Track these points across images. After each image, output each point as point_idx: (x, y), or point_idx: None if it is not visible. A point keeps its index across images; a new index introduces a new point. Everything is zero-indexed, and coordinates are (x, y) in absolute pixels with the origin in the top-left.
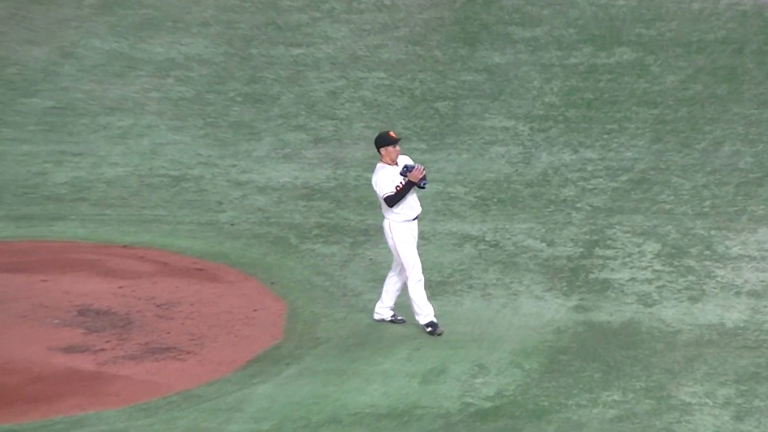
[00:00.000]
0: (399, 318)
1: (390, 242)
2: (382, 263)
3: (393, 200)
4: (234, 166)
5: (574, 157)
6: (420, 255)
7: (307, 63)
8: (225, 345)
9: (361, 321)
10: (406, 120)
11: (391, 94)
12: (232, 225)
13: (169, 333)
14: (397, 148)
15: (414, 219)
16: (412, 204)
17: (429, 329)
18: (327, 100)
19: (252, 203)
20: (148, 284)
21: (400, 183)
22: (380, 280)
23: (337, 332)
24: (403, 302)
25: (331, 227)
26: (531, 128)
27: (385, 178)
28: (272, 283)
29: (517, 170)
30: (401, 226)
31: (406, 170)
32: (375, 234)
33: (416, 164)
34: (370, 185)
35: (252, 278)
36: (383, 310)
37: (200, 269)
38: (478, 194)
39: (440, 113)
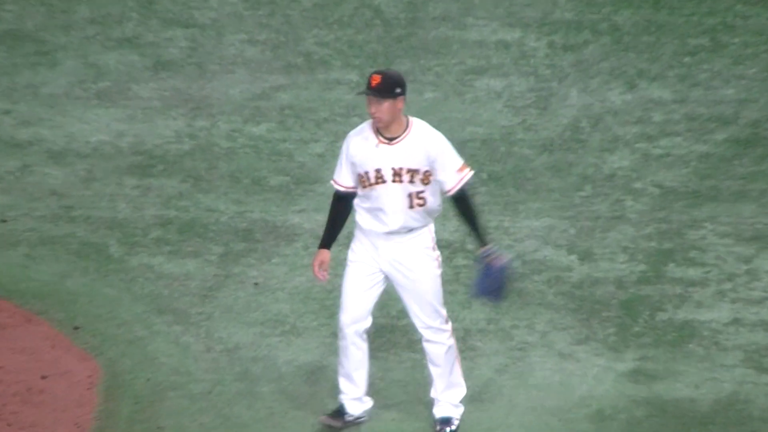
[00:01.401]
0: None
1: None
2: (277, 290)
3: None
4: (7, 113)
5: (629, 97)
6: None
7: None
8: None
9: (239, 399)
10: (321, 29)
11: None
12: (3, 221)
13: None
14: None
15: (383, 233)
16: (379, 210)
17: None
18: None
19: (40, 182)
20: None
21: (372, 173)
22: (274, 322)
23: (196, 418)
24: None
25: (184, 226)
26: (550, 45)
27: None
28: (76, 328)
29: (524, 121)
30: (357, 236)
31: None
32: (265, 239)
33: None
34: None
35: (40, 319)
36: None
37: None
38: None
39: (385, 18)
